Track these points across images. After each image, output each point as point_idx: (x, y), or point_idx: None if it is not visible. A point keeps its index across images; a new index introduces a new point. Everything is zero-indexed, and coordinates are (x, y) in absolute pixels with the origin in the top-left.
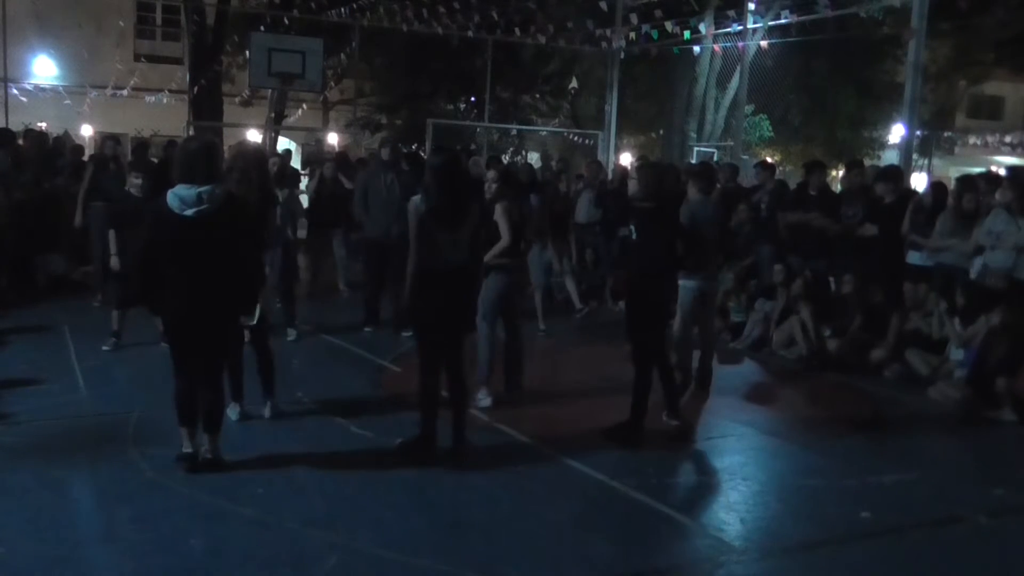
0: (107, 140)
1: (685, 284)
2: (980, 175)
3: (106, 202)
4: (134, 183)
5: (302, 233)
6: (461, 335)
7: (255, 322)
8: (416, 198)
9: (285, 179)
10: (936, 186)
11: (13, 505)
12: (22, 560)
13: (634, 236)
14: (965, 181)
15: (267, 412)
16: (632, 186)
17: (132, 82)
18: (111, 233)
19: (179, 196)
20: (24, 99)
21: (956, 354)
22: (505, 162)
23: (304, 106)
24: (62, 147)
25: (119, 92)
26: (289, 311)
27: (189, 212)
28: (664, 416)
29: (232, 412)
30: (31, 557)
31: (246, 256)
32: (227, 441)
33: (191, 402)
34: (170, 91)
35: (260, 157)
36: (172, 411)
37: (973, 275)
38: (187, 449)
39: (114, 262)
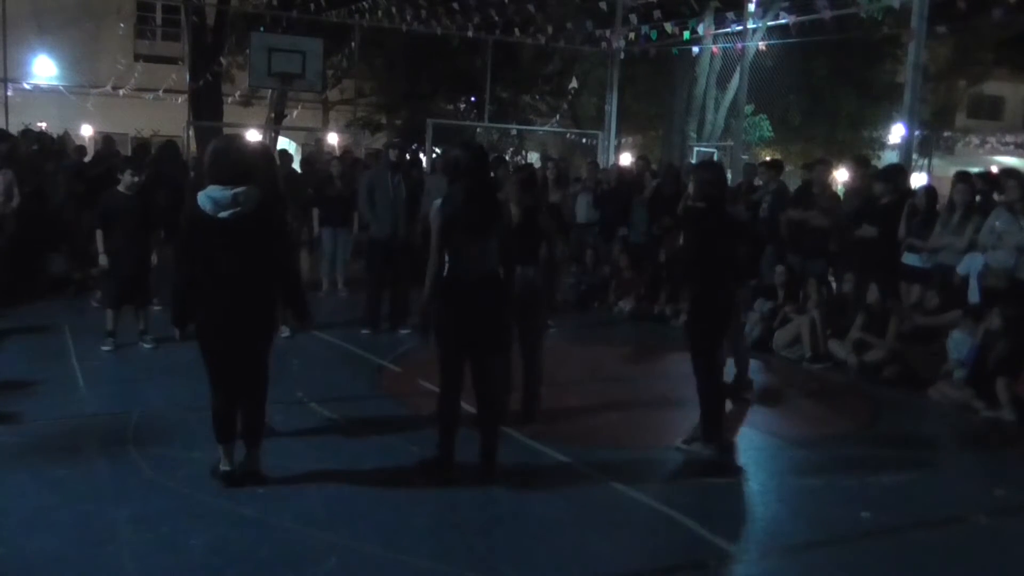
0: (106, 139)
1: None
2: (977, 174)
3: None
4: (126, 181)
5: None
6: (489, 351)
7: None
8: (437, 202)
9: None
10: (929, 189)
11: (13, 505)
12: (22, 560)
13: (684, 241)
14: (959, 176)
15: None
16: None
17: (132, 82)
18: (98, 233)
19: (212, 198)
20: (24, 99)
21: (955, 353)
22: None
23: (299, 107)
24: (65, 147)
25: (119, 92)
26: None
27: (224, 214)
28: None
29: None
30: (31, 557)
31: (283, 258)
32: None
33: (230, 419)
34: (170, 91)
35: (267, 157)
36: (173, 410)
37: (961, 271)
38: (225, 467)
39: (101, 260)
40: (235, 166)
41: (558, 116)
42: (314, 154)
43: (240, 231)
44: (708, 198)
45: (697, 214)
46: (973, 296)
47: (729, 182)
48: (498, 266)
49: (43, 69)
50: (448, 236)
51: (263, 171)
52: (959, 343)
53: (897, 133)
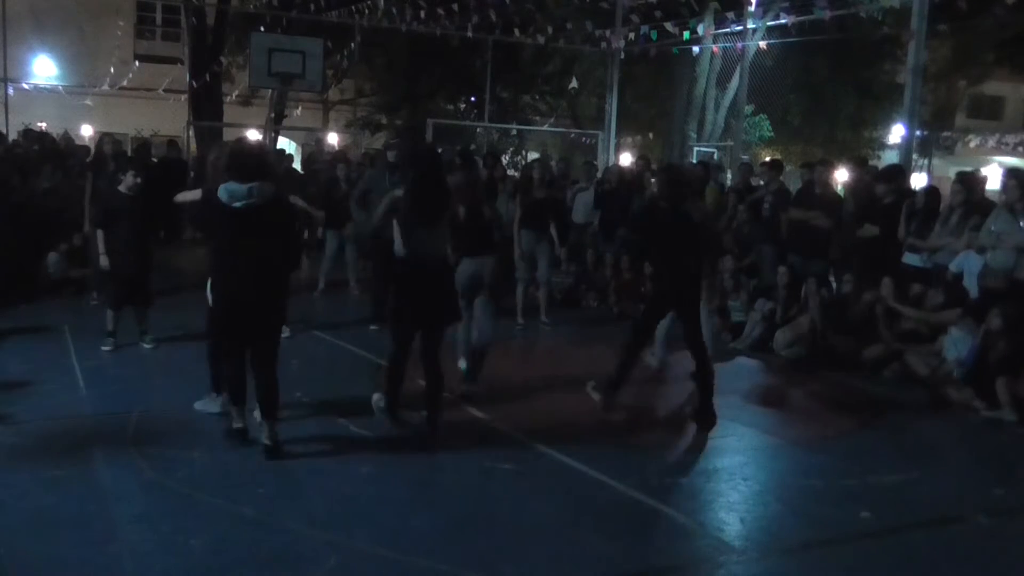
0: (104, 138)
1: None
2: (968, 173)
3: (96, 202)
4: (128, 182)
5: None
6: (439, 324)
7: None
8: (396, 191)
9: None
10: (931, 190)
11: (13, 505)
12: (22, 560)
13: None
14: (957, 177)
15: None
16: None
17: (132, 82)
18: (99, 233)
19: (229, 191)
20: (24, 99)
21: (952, 352)
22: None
23: (299, 107)
24: (72, 148)
25: (119, 92)
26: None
27: (237, 204)
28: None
29: (213, 405)
30: (31, 557)
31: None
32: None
33: (243, 382)
34: (170, 91)
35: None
36: (173, 410)
37: (954, 268)
38: (238, 424)
39: (103, 261)
40: (251, 166)
41: (554, 116)
42: (315, 154)
43: (251, 219)
44: (667, 197)
45: (656, 211)
46: (975, 296)
47: (729, 182)
48: (447, 251)
49: (43, 69)
50: (403, 219)
51: (275, 171)
52: (957, 341)
53: (897, 133)
